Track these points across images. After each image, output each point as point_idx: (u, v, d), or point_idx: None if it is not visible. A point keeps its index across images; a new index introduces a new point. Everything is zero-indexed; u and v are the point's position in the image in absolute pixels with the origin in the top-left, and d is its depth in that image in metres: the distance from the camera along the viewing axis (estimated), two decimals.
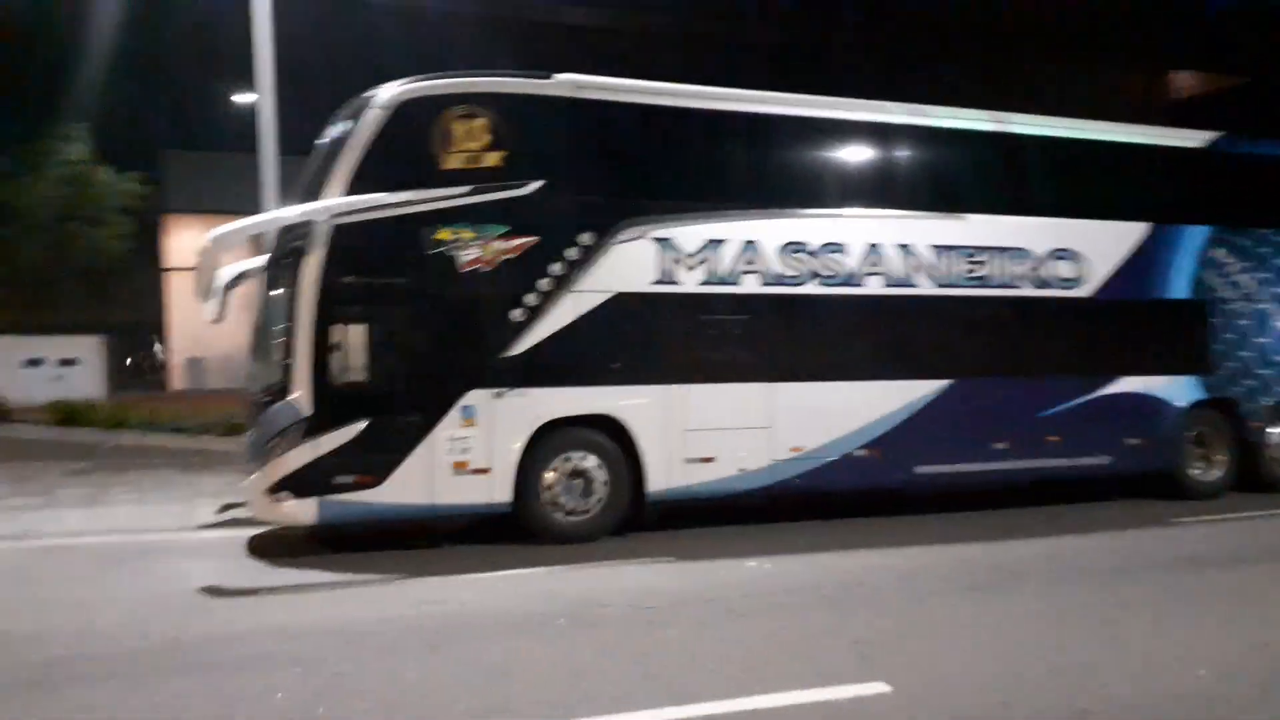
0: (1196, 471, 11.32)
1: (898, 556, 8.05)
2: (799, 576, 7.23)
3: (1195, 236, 11.36)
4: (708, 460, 9.13)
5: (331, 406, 8.01)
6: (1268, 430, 11.69)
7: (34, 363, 21.46)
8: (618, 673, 5.02)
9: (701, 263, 9.24)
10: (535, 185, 8.68)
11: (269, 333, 8.60)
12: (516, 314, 8.58)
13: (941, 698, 4.63)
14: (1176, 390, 11.10)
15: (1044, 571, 7.43)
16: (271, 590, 7.08)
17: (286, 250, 8.42)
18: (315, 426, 7.95)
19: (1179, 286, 11.23)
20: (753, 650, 5.35)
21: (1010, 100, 11.65)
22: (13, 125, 25.17)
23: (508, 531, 8.63)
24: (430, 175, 8.44)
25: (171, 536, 9.33)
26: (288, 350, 8.08)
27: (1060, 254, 10.64)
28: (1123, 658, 5.24)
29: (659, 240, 9.09)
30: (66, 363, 21.92)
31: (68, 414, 16.66)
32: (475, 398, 8.38)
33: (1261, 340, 11.64)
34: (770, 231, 9.50)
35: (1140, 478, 11.12)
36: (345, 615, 6.33)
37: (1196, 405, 11.21)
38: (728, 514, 9.57)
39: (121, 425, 15.88)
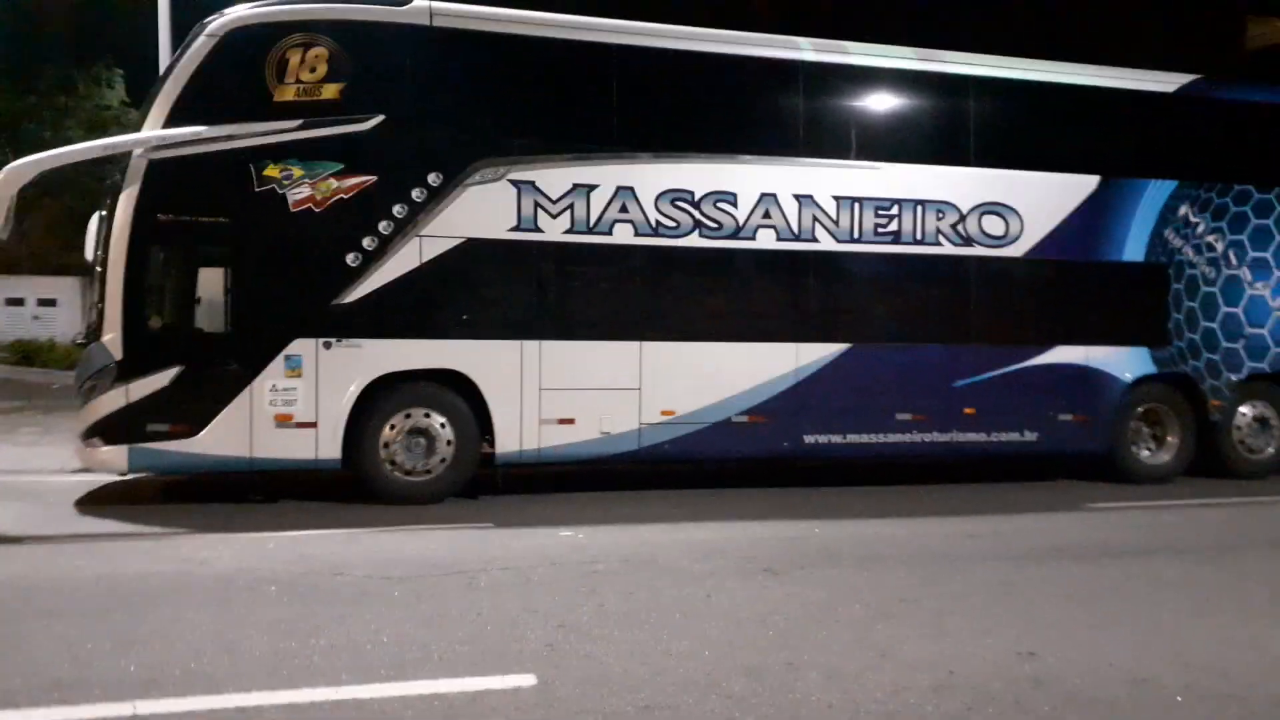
0: (1145, 453, 10.31)
1: (730, 530, 7.38)
2: (598, 549, 6.64)
3: (1156, 192, 10.20)
4: (566, 422, 8.53)
5: (143, 351, 7.65)
6: (1239, 410, 10.59)
7: (14, 302, 21.87)
8: (260, 648, 4.52)
9: (567, 209, 8.57)
10: (376, 120, 8.10)
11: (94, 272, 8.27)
12: (351, 259, 8.06)
13: (581, 697, 4.03)
14: (1120, 363, 10.06)
15: (872, 554, 6.68)
16: (44, 539, 6.78)
17: (109, 186, 8.04)
18: (127, 371, 7.60)
19: (1133, 247, 10.12)
20: (439, 630, 4.80)
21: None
22: (45, 66, 25.39)
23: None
24: (260, 108, 7.92)
25: (32, 479, 9.16)
26: (102, 291, 7.73)
27: (989, 209, 9.65)
28: (855, 656, 4.55)
29: (519, 183, 8.45)
30: (45, 303, 22.28)
31: (25, 353, 16.82)
32: (301, 347, 7.91)
33: (1230, 310, 10.47)
34: (648, 178, 8.76)
35: (1077, 458, 10.19)
36: (85, 569, 5.96)
37: (1146, 380, 10.16)
38: (639, 478, 9.06)
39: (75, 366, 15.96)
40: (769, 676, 4.33)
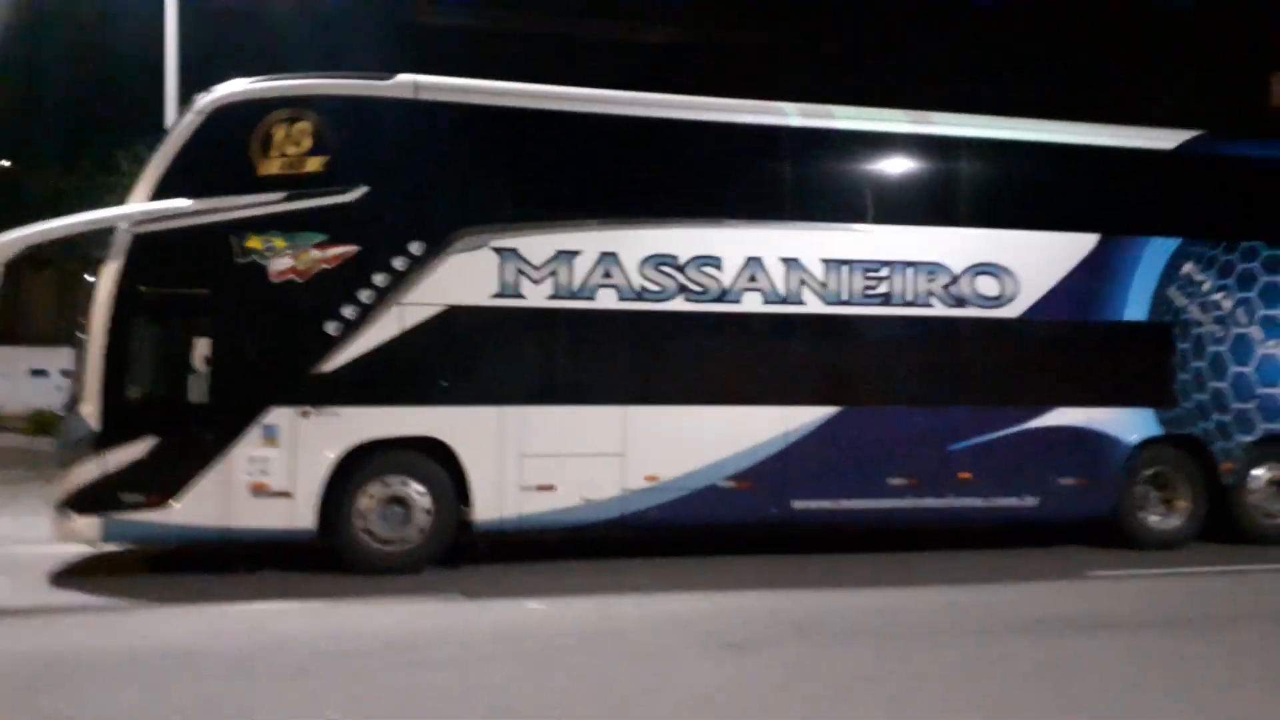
0: (1154, 519, 9.94)
1: (705, 602, 7.20)
2: (562, 623, 6.51)
3: (1159, 250, 9.98)
4: (547, 489, 8.42)
5: (120, 421, 7.69)
6: (1252, 473, 10.21)
7: (39, 373, 22.26)
8: None
9: (550, 275, 8.57)
10: (359, 191, 8.20)
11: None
12: (331, 328, 8.09)
13: None
14: (1124, 425, 9.76)
15: (847, 628, 6.47)
16: (7, 613, 6.78)
17: (93, 258, 8.20)
18: (103, 441, 7.64)
19: (1135, 307, 9.87)
20: (363, 710, 4.69)
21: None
22: (88, 145, 26.31)
23: None
24: (245, 182, 8.04)
25: (18, 550, 9.18)
26: (82, 361, 7.84)
27: (983, 269, 9.50)
28: None
29: (501, 250, 8.47)
30: (69, 374, 22.53)
31: (41, 423, 17.12)
32: (278, 416, 7.92)
33: (1240, 369, 10.14)
34: (631, 243, 8.74)
35: (1081, 523, 9.85)
36: (24, 643, 5.91)
37: (1152, 442, 9.84)
38: (630, 545, 8.95)
39: None
40: None
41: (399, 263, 8.25)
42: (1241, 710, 4.88)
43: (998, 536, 9.99)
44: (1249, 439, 10.07)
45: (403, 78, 8.49)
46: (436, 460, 8.29)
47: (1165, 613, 7.15)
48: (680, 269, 8.84)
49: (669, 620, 6.58)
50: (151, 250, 7.82)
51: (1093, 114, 10.57)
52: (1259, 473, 10.21)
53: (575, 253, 8.61)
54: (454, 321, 8.35)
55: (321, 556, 8.37)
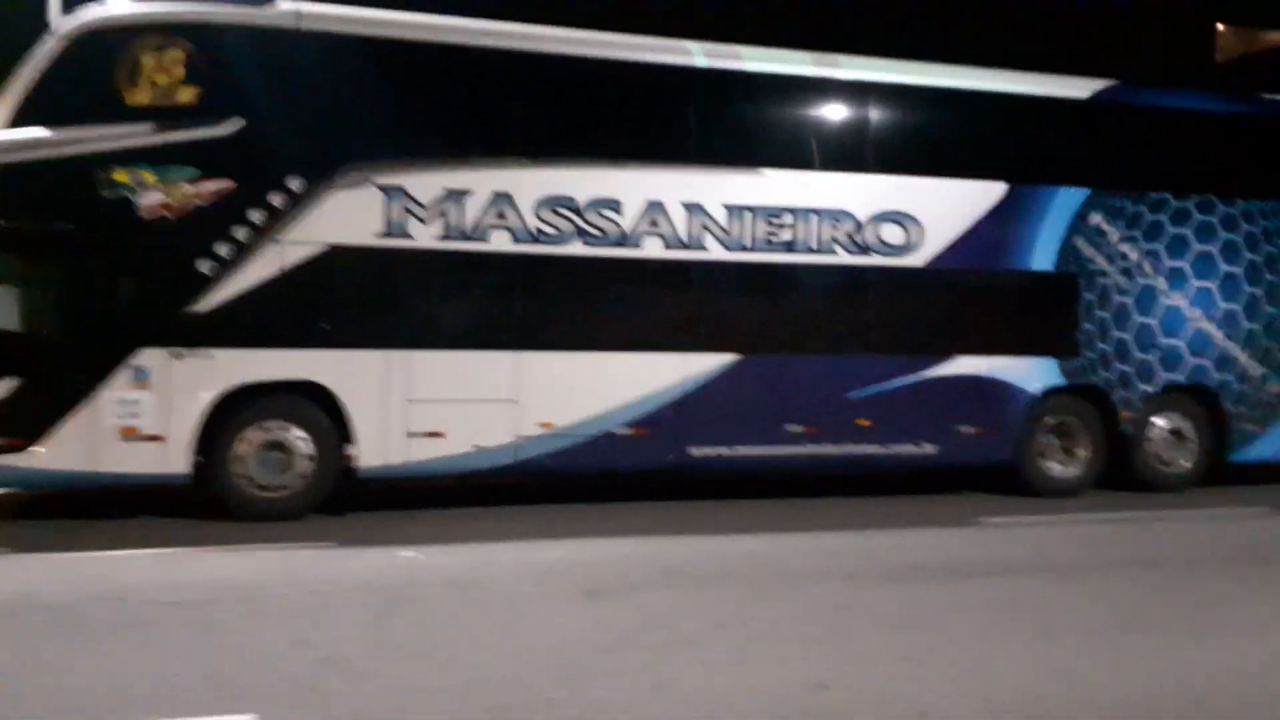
0: (1056, 467, 10.01)
1: (584, 549, 7.10)
2: (429, 571, 6.36)
3: (1069, 199, 9.91)
4: (435, 435, 8.24)
5: None
6: (1152, 421, 10.30)
7: None
8: None
9: (440, 215, 8.30)
10: (235, 125, 7.83)
11: None
12: (205, 267, 7.77)
13: None
14: (1027, 374, 9.77)
15: (718, 573, 6.38)
16: None
17: None
18: None
19: (1041, 256, 9.83)
20: (186, 663, 4.50)
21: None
22: None
23: None
24: (112, 112, 7.63)
25: None
26: None
27: (888, 216, 9.38)
28: (628, 690, 4.26)
29: (388, 189, 8.17)
30: None
31: None
32: (149, 358, 7.62)
33: (1144, 320, 10.18)
34: (526, 184, 8.47)
35: (980, 470, 9.90)
36: None
37: (1055, 392, 9.87)
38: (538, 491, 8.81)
39: None
40: (517, 715, 4.05)
41: (278, 200, 7.92)
42: (1079, 662, 4.86)
43: (908, 483, 10.05)
44: (1150, 389, 10.14)
45: (284, 5, 8.08)
46: (319, 405, 8.06)
47: (1045, 559, 7.17)
48: (578, 211, 8.60)
49: (538, 568, 6.46)
50: (10, 182, 7.43)
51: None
52: (1159, 422, 10.31)
53: (466, 192, 8.33)
54: (336, 261, 8.06)
55: (211, 502, 8.17)
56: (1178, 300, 10.26)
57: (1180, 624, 5.55)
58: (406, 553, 6.89)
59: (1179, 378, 10.25)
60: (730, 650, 4.89)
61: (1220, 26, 32.31)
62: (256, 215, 7.87)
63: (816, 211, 9.19)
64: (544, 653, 4.77)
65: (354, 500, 8.33)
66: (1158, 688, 4.51)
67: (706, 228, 8.91)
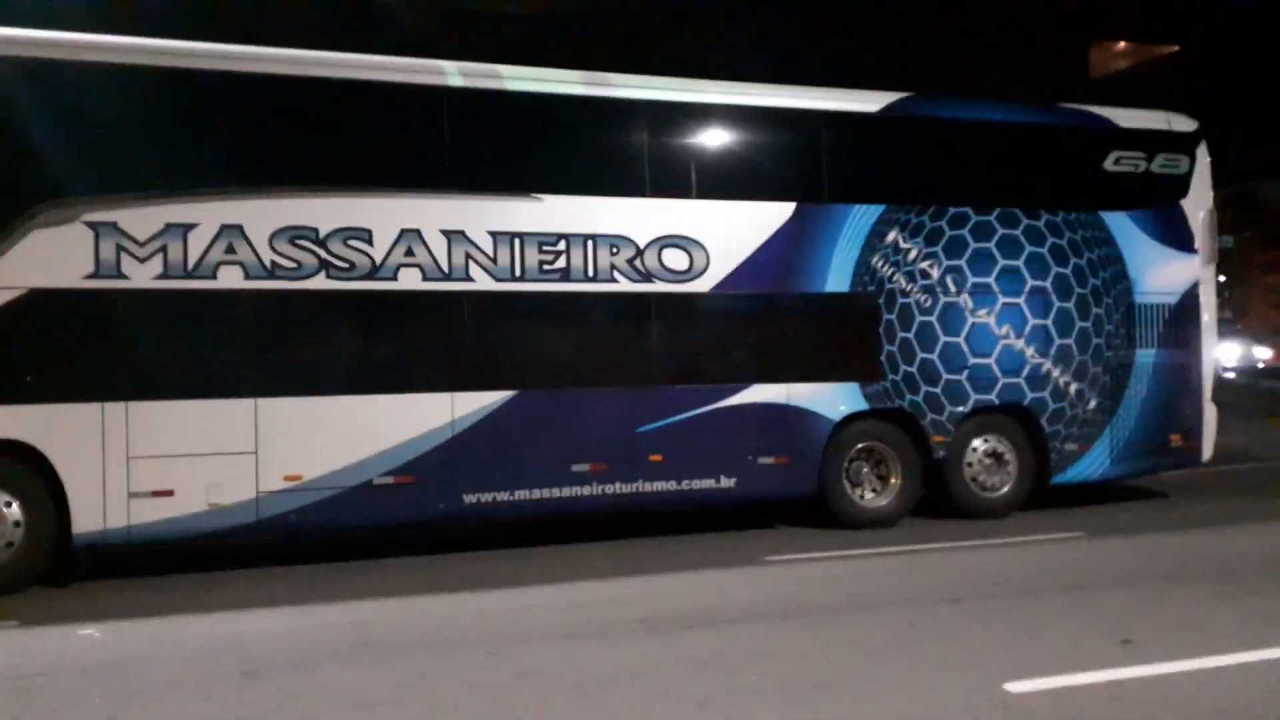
0: (868, 495, 9.59)
1: (269, 620, 6.35)
2: (88, 652, 5.58)
3: (862, 217, 9.56)
4: (163, 494, 7.46)
5: None
6: (971, 445, 9.94)
7: None
8: None
9: (159, 252, 7.56)
10: None
11: None
12: None
13: None
14: (826, 400, 9.33)
15: (415, 642, 5.70)
16: None
17: None
18: None
19: (836, 277, 9.42)
20: None
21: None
22: None
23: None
24: None
25: None
26: None
27: (670, 242, 8.91)
28: None
29: (96, 225, 7.42)
30: None
31: None
32: None
33: (951, 340, 9.84)
34: (260, 215, 7.80)
35: (784, 503, 9.43)
36: None
37: (857, 417, 9.46)
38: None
39: None
40: None
41: None
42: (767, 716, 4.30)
43: (706, 520, 9.51)
44: (961, 411, 9.81)
45: None
46: (30, 467, 7.23)
47: (798, 603, 6.59)
48: (321, 243, 7.95)
49: (206, 646, 5.69)
50: None
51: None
52: (977, 445, 9.97)
53: (190, 225, 7.63)
54: (39, 307, 7.29)
55: None
56: (985, 317, 9.95)
57: (890, 673, 5.01)
58: (85, 630, 6.08)
59: (991, 398, 9.92)
60: None
61: (1097, 43, 33.08)
62: None
63: (592, 237, 8.68)
64: None
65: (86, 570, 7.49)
66: None
67: (471, 257, 8.33)
